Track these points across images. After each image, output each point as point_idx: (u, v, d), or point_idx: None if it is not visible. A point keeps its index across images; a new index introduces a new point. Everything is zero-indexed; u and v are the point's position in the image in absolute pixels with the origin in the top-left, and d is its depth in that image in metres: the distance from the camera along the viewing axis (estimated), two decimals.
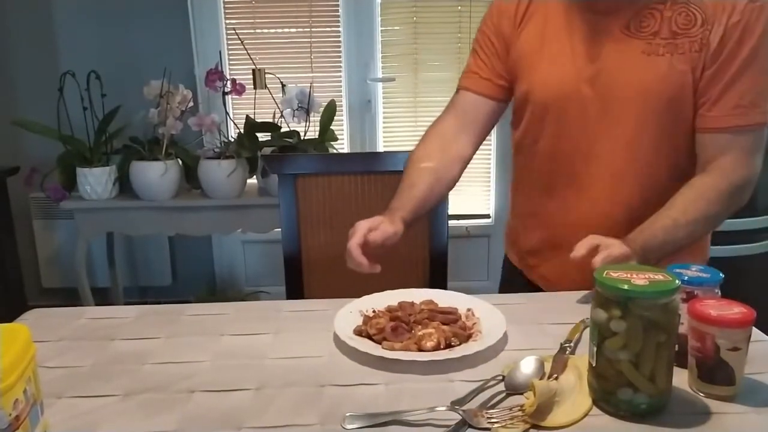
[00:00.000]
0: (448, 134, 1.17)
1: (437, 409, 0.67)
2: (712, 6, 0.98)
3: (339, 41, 2.75)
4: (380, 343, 0.83)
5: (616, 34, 1.03)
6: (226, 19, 2.73)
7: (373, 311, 0.92)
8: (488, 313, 0.91)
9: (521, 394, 0.71)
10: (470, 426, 0.65)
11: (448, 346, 0.82)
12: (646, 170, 1.05)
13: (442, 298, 0.96)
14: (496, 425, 0.65)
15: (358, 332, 0.87)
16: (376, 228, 0.99)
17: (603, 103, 1.04)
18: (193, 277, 2.88)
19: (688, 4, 1.00)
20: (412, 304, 0.93)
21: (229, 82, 2.39)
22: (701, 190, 1.01)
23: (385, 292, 0.98)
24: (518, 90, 1.13)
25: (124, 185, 2.36)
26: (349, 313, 0.92)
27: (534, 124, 1.12)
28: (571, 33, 1.06)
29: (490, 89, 1.15)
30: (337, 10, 2.72)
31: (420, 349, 0.81)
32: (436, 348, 0.81)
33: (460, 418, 0.66)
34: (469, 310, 0.93)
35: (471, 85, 1.16)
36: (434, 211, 1.27)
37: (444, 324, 0.86)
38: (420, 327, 0.85)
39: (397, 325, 0.86)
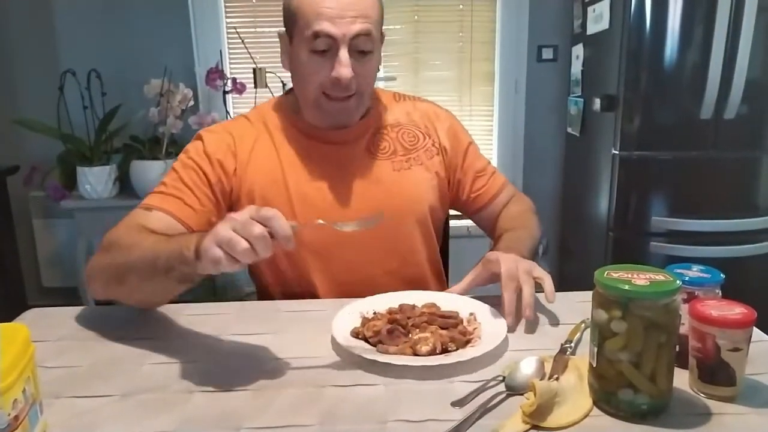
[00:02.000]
0: None
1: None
2: (422, 122, 1.19)
3: None
4: (376, 346, 0.82)
5: (360, 158, 1.12)
6: (226, 17, 2.73)
7: (374, 313, 0.91)
8: (491, 319, 0.89)
9: (521, 394, 0.71)
10: (470, 425, 0.65)
11: (445, 351, 0.80)
12: (412, 269, 1.15)
13: (446, 301, 0.95)
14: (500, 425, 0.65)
15: (355, 334, 0.86)
16: None
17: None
18: None
19: (404, 126, 1.17)
20: (413, 307, 0.91)
21: (229, 81, 2.40)
22: (516, 212, 1.21)
23: (387, 293, 0.97)
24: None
25: (125, 184, 2.36)
26: (349, 315, 0.91)
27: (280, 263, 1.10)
28: (313, 165, 1.09)
29: (190, 217, 1.04)
30: None
31: (415, 354, 0.79)
32: (432, 353, 0.79)
33: (460, 419, 0.65)
34: (471, 314, 0.91)
35: (173, 209, 1.03)
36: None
37: (443, 328, 0.84)
38: (417, 331, 0.84)
39: (394, 329, 0.84)
